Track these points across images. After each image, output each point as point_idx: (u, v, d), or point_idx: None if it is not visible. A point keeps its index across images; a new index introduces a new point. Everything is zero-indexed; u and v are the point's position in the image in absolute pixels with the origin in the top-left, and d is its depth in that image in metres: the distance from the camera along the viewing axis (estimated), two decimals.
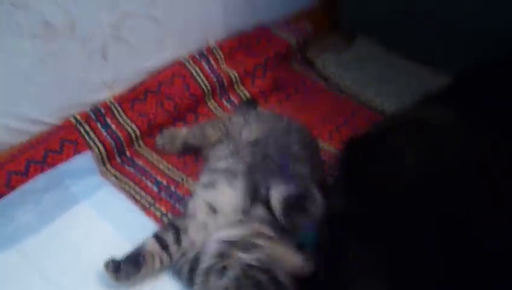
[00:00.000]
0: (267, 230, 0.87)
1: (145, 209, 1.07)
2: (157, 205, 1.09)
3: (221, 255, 0.84)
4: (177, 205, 1.09)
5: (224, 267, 0.82)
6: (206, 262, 0.84)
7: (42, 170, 1.06)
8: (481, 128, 0.96)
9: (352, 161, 1.00)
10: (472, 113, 1.01)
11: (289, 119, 1.18)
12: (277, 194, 0.90)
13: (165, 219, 1.05)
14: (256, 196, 0.92)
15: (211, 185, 0.96)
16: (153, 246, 0.91)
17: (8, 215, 1.00)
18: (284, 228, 0.87)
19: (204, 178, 1.01)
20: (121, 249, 0.96)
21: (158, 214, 1.07)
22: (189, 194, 1.10)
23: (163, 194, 1.11)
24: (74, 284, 0.91)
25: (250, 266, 0.81)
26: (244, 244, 0.84)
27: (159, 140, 1.21)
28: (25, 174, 1.04)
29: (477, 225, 0.78)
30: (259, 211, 0.91)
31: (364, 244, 0.82)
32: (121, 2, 1.14)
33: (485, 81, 1.11)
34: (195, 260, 0.88)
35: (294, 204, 0.88)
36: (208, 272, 0.83)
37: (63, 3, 1.04)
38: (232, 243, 0.85)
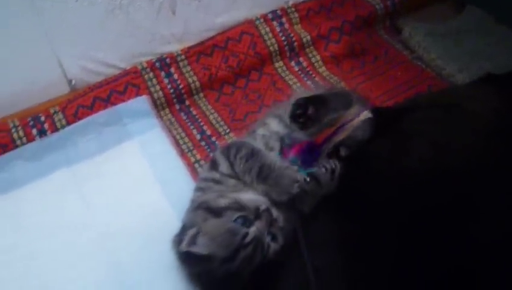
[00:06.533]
0: None
1: (183, 154, 1.17)
2: (194, 151, 1.18)
3: None
4: (211, 154, 1.17)
5: None
6: None
7: (105, 107, 1.22)
8: None
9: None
10: None
11: None
12: None
13: (196, 165, 1.15)
14: None
15: None
16: None
17: (73, 140, 1.19)
18: None
19: None
20: (148, 186, 1.09)
21: (192, 160, 1.16)
22: None
23: (203, 142, 1.20)
24: (101, 210, 1.05)
25: None
26: None
27: None
28: (91, 109, 1.21)
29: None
30: None
31: (332, 219, 0.82)
32: None
33: None
34: None
35: None
36: None
37: None
38: None
